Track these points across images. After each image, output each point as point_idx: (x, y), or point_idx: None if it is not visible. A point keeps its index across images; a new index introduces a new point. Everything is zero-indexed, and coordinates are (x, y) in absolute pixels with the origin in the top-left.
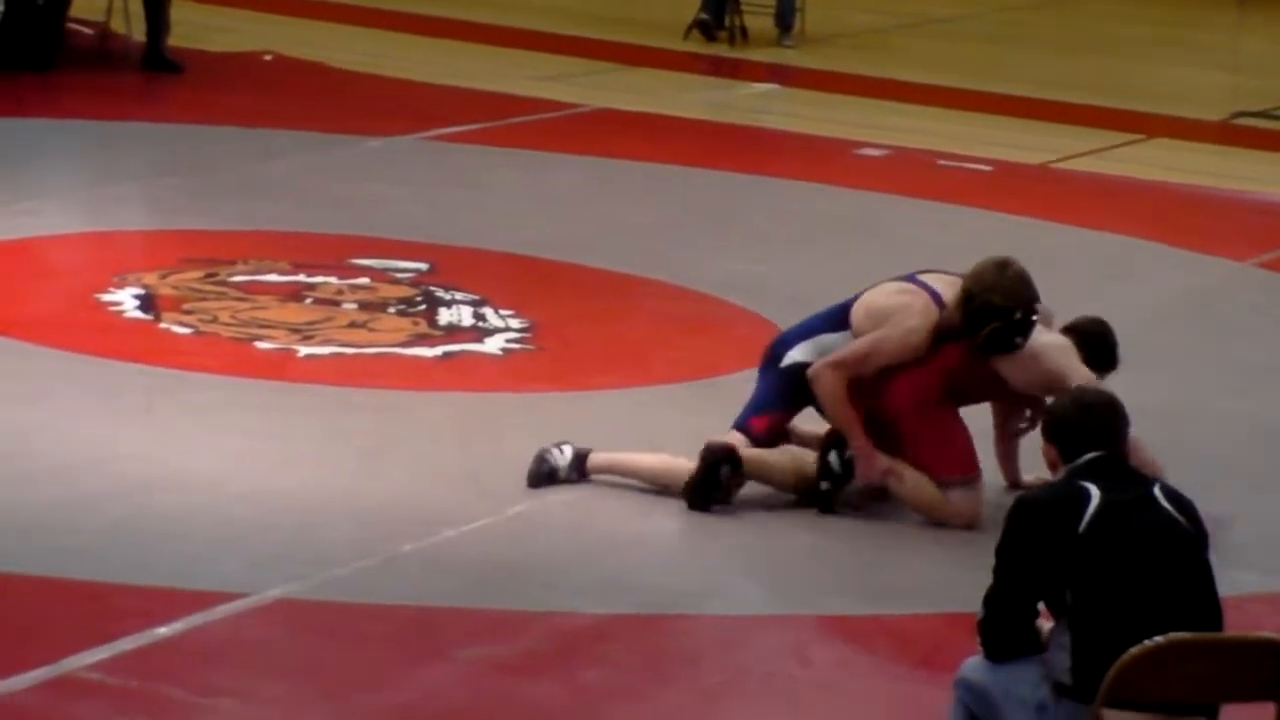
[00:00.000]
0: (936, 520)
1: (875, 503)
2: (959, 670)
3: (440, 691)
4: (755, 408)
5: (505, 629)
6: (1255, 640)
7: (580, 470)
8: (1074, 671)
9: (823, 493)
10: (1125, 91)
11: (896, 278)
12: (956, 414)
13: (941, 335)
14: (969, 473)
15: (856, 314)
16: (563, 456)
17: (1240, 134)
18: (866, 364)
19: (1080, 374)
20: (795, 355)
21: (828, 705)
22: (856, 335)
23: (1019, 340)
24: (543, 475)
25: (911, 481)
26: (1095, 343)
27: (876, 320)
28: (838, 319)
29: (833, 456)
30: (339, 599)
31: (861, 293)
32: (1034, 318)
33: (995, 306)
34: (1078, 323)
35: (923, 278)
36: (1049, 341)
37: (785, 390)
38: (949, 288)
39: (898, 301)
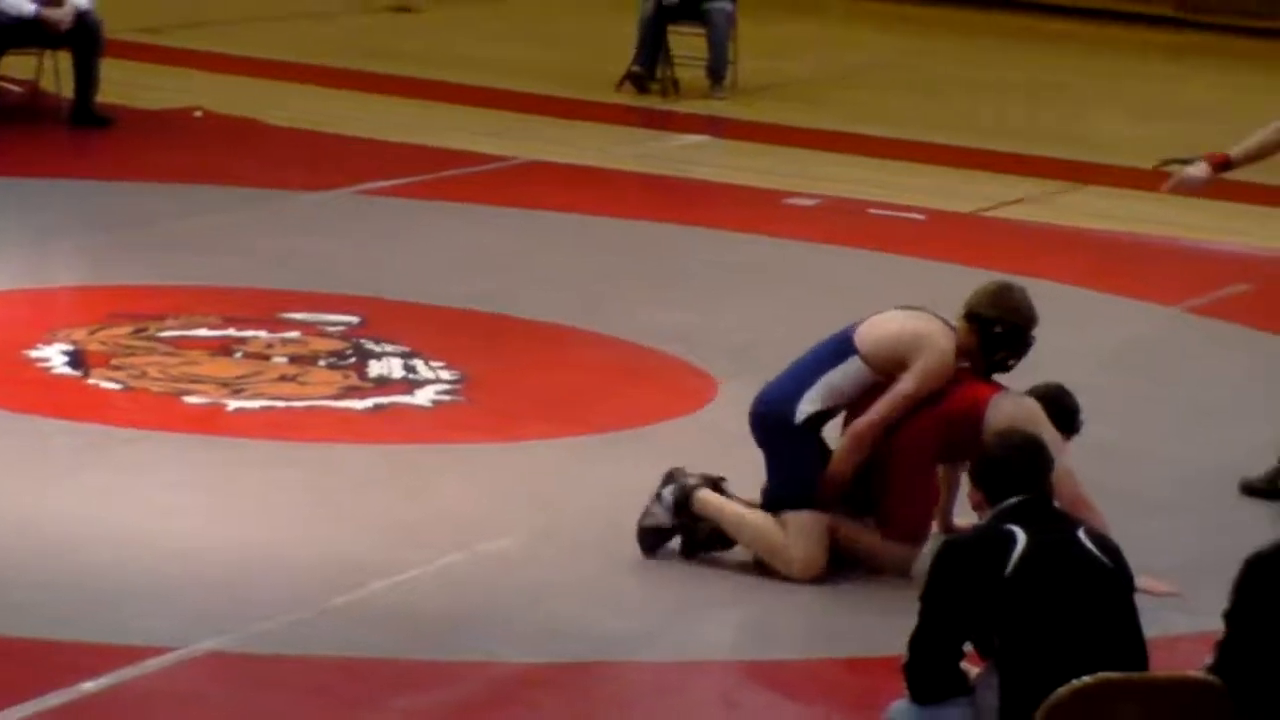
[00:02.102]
0: (872, 568)
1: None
2: (885, 713)
3: None
4: (797, 481)
5: (436, 679)
6: (1183, 680)
7: (683, 511)
8: (1002, 713)
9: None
10: (1056, 139)
11: (898, 307)
12: (936, 473)
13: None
14: (924, 540)
15: (868, 344)
16: (662, 510)
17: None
18: (911, 406)
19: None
20: (807, 407)
21: None
22: (873, 363)
23: (1014, 362)
24: (650, 541)
25: (846, 528)
26: (1055, 408)
27: (898, 349)
28: (836, 353)
29: (667, 491)
30: (269, 651)
31: (856, 324)
32: (1031, 340)
33: (1010, 324)
34: (1036, 389)
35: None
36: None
37: (814, 445)
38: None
39: (918, 328)
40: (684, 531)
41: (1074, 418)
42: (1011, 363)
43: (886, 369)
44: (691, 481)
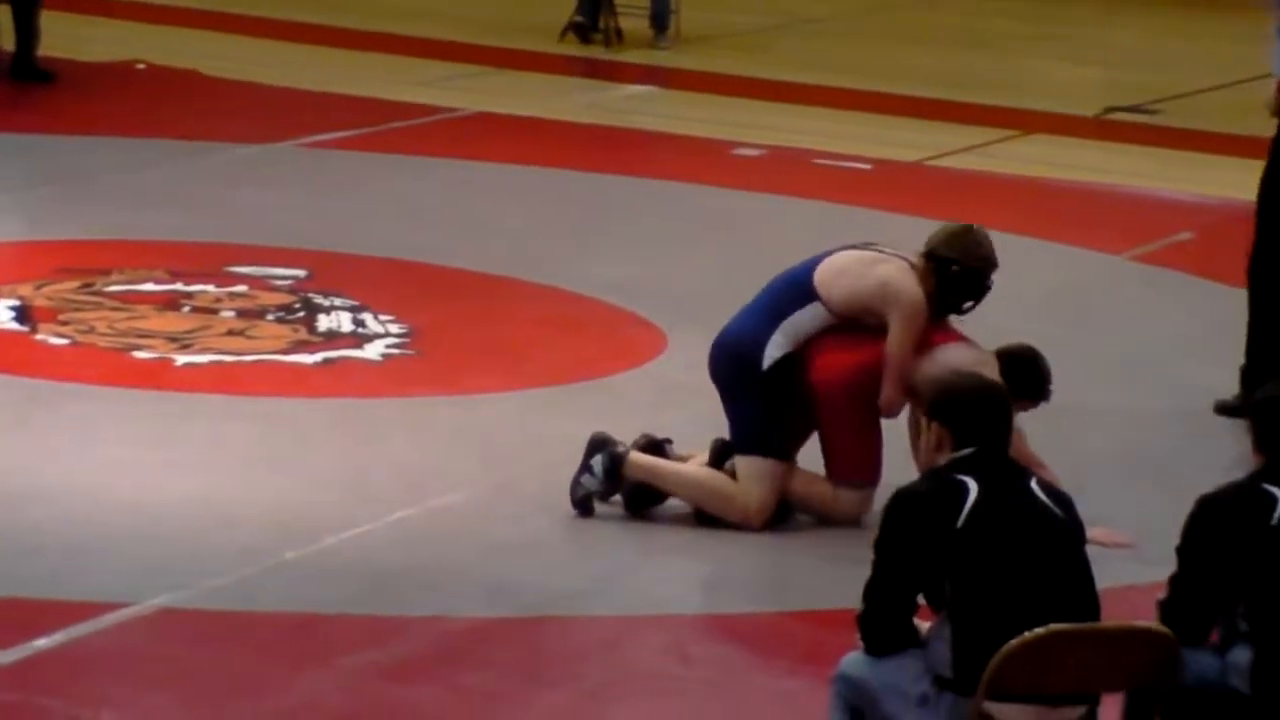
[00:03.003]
0: (825, 517)
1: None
2: (838, 665)
3: (322, 698)
4: (758, 426)
5: (386, 634)
6: (1134, 629)
7: (616, 478)
8: (955, 664)
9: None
10: (1000, 88)
11: (846, 246)
12: (878, 416)
13: None
14: (872, 481)
15: (830, 290)
16: (594, 480)
17: (1114, 128)
18: (910, 359)
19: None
20: (774, 352)
21: (709, 704)
22: (834, 308)
23: (970, 305)
24: (581, 504)
25: (802, 480)
26: (1026, 371)
27: (864, 298)
28: (798, 294)
29: (597, 460)
30: (220, 607)
31: (811, 264)
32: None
33: (970, 269)
34: (1009, 348)
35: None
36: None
37: (778, 392)
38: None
39: (881, 274)
40: (622, 493)
41: (1043, 384)
42: (967, 306)
43: (849, 314)
44: (620, 449)
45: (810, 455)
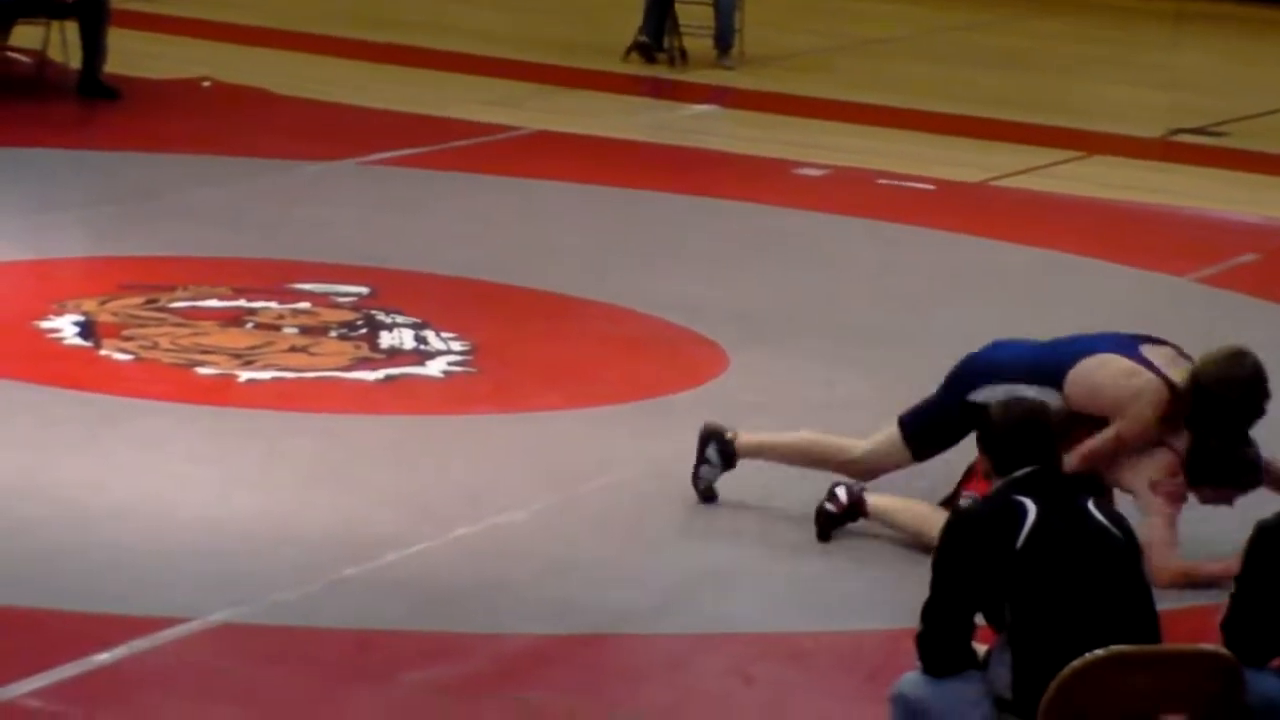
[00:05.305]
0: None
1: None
2: (895, 685)
3: (383, 714)
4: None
5: (448, 651)
6: (1195, 652)
7: (728, 462)
8: (1015, 687)
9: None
10: (1064, 109)
11: (1119, 349)
12: None
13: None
14: None
15: (1075, 388)
16: (713, 470)
17: (1178, 150)
18: (1107, 461)
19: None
20: (980, 395)
21: None
22: (1072, 405)
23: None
24: (706, 495)
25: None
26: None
27: (1103, 405)
28: (1044, 375)
29: (711, 450)
30: (282, 623)
31: (1077, 354)
32: (1258, 414)
33: (1219, 397)
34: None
35: (1146, 353)
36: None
37: (956, 420)
38: (1171, 365)
39: (1131, 388)
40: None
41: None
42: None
43: (1080, 407)
44: (729, 434)
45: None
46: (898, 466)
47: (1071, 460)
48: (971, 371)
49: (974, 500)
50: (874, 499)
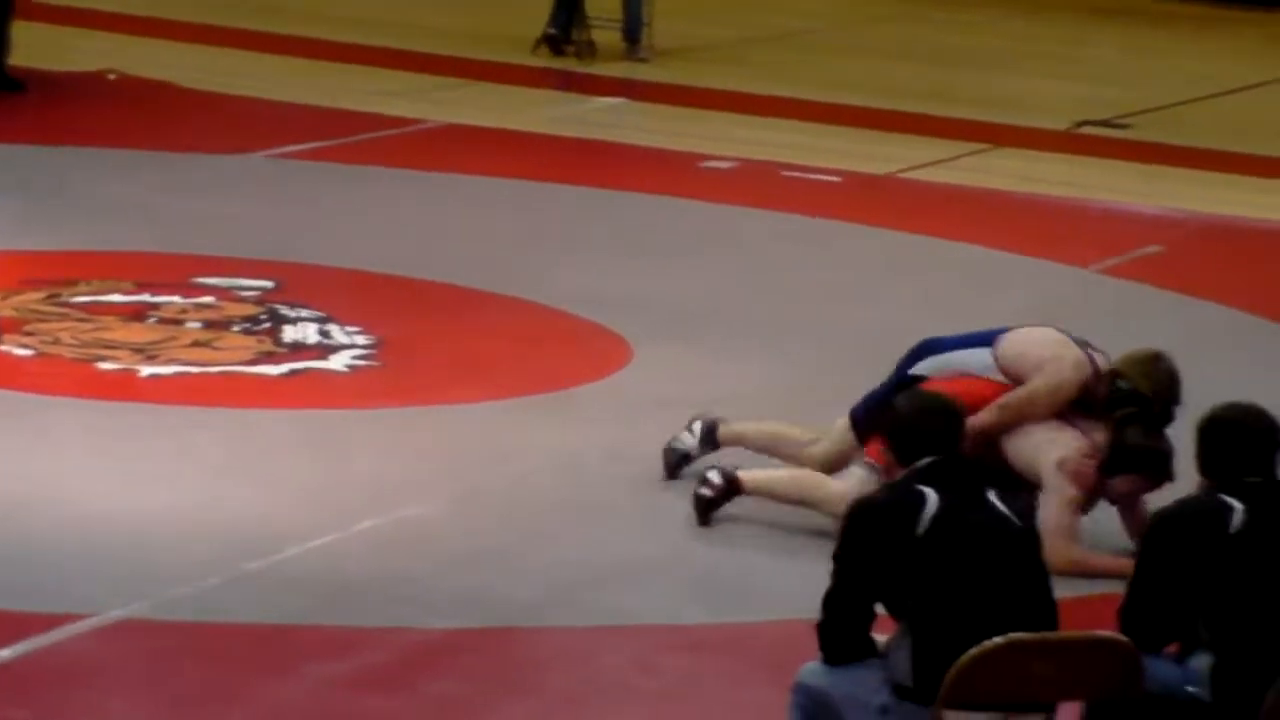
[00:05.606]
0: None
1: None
2: (797, 674)
3: (288, 708)
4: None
5: (352, 645)
6: (1093, 640)
7: (711, 442)
8: (915, 674)
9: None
10: (973, 101)
11: (1055, 328)
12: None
13: (1076, 402)
14: None
15: (1008, 347)
16: (691, 437)
17: (1084, 142)
18: (1019, 420)
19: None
20: (918, 369)
21: (673, 715)
22: (1002, 365)
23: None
24: (675, 464)
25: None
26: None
27: (1028, 365)
28: (979, 340)
29: (696, 424)
30: (185, 618)
31: (1015, 329)
32: (1170, 417)
33: (1138, 394)
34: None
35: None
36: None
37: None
38: (1100, 357)
39: (1057, 351)
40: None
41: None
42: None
43: (1009, 371)
44: (716, 415)
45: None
46: (851, 459)
47: (983, 415)
48: (913, 353)
49: (876, 485)
50: (748, 475)
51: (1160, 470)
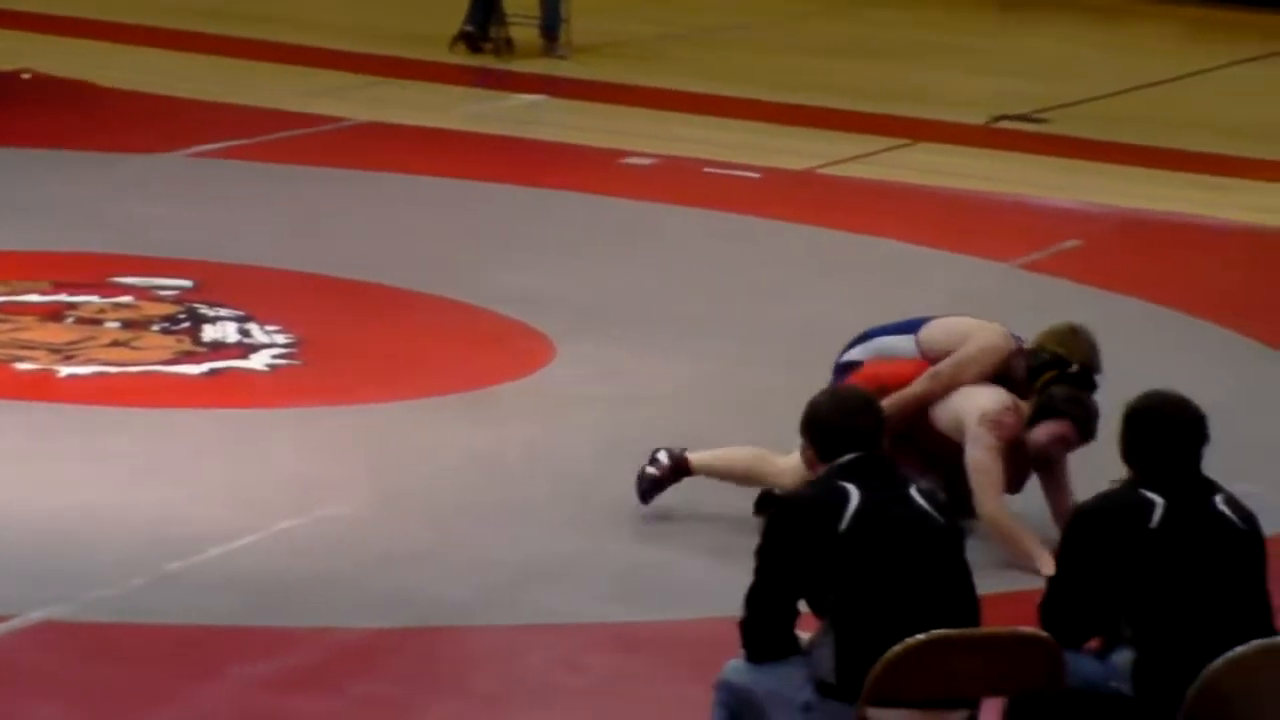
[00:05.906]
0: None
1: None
2: (720, 672)
3: (211, 709)
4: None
5: (275, 645)
6: (1015, 635)
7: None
8: (838, 671)
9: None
10: (892, 96)
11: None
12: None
13: (1000, 378)
14: None
15: (935, 330)
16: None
17: (1002, 137)
18: (951, 385)
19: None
20: (850, 354)
21: (599, 713)
22: (924, 348)
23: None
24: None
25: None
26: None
27: (954, 340)
28: (905, 327)
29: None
30: (107, 619)
31: (934, 317)
32: (1093, 383)
33: (1058, 357)
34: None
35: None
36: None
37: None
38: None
39: (980, 324)
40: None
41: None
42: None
43: (932, 356)
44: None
45: None
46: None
47: (916, 384)
48: (849, 343)
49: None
50: (695, 456)
51: (1084, 421)
